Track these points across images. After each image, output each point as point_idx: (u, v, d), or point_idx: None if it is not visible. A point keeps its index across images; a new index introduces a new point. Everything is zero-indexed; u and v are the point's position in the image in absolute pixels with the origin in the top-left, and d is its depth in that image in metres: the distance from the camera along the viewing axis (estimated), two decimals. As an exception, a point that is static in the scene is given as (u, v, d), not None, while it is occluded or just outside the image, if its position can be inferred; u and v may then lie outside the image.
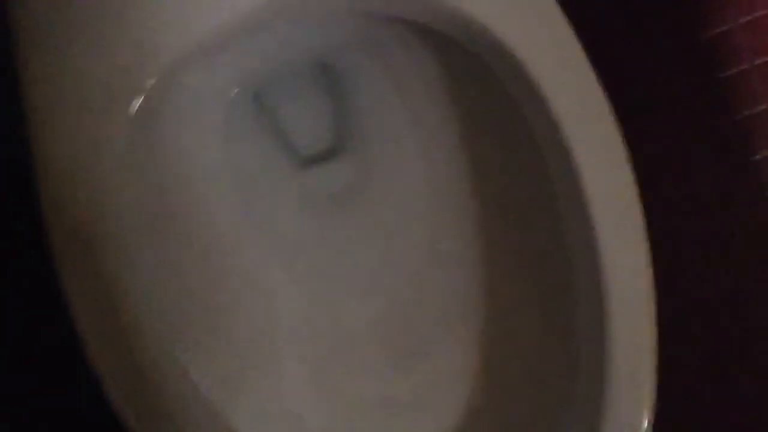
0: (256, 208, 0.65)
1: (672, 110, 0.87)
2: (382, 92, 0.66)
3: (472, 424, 0.58)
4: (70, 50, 0.52)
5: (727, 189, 0.87)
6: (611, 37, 0.84)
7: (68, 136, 0.52)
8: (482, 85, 0.59)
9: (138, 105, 0.52)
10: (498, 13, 0.54)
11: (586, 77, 0.53)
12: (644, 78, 0.87)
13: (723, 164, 0.87)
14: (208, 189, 0.63)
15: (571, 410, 0.52)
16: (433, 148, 0.65)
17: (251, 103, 0.67)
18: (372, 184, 0.67)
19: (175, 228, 0.60)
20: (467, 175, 0.63)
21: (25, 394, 0.78)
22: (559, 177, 0.54)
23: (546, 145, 0.54)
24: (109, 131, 0.52)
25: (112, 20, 0.52)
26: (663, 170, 0.86)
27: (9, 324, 0.78)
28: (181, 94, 0.57)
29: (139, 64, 0.52)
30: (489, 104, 0.61)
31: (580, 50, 0.53)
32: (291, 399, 0.61)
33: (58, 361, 0.75)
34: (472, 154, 0.63)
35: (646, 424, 0.48)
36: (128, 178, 0.53)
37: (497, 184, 0.63)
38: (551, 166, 0.54)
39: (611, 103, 0.54)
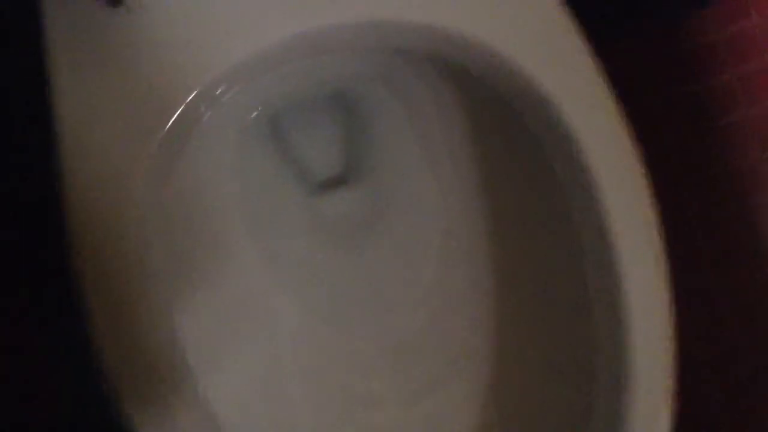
0: (267, 232, 0.65)
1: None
2: (396, 123, 0.67)
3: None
4: (106, 70, 0.53)
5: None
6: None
7: (99, 152, 0.52)
8: (500, 118, 0.61)
9: (168, 126, 0.53)
10: (516, 43, 0.55)
11: (606, 109, 0.54)
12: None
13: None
14: (221, 210, 0.64)
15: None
16: (446, 180, 0.66)
17: (266, 128, 0.68)
18: (383, 213, 0.68)
19: (192, 242, 0.61)
20: (482, 209, 0.64)
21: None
22: (579, 210, 0.55)
23: (567, 183, 0.55)
24: (140, 150, 0.53)
25: (149, 43, 0.53)
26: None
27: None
28: (204, 116, 0.58)
29: (173, 86, 0.53)
30: (506, 138, 0.62)
31: (601, 83, 0.54)
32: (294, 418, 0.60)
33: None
34: (487, 189, 0.64)
35: None
36: (153, 194, 0.54)
37: (513, 219, 0.63)
38: (573, 203, 0.55)
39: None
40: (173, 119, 0.53)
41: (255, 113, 0.66)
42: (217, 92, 0.57)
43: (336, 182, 0.68)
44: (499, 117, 0.61)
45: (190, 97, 0.54)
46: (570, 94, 0.54)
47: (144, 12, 0.53)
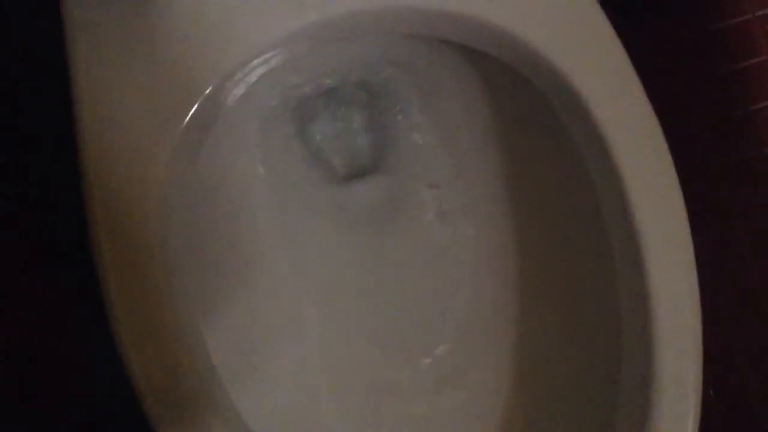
0: (291, 219, 0.65)
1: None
2: (420, 112, 0.66)
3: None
4: (130, 56, 0.52)
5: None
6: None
7: (123, 138, 0.52)
8: (528, 111, 0.60)
9: (191, 113, 0.53)
10: (545, 32, 0.54)
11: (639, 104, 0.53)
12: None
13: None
14: (246, 198, 0.63)
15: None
16: (471, 172, 0.65)
17: (290, 117, 0.67)
18: (406, 204, 0.67)
19: (215, 232, 0.60)
20: (507, 204, 0.64)
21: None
22: (608, 208, 0.54)
23: (597, 175, 0.55)
24: (163, 137, 0.52)
25: (175, 25, 0.53)
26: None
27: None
28: (228, 103, 0.57)
29: (196, 74, 0.53)
30: (533, 130, 0.61)
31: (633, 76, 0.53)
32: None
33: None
34: (511, 181, 0.64)
35: None
36: (176, 182, 0.53)
37: (540, 215, 0.63)
38: (598, 189, 0.54)
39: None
40: (197, 104, 0.53)
41: (279, 101, 0.65)
42: (242, 78, 0.56)
43: (359, 172, 0.68)
44: (526, 109, 0.60)
45: (216, 82, 0.53)
46: (600, 87, 0.53)
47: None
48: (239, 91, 0.57)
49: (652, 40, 0.87)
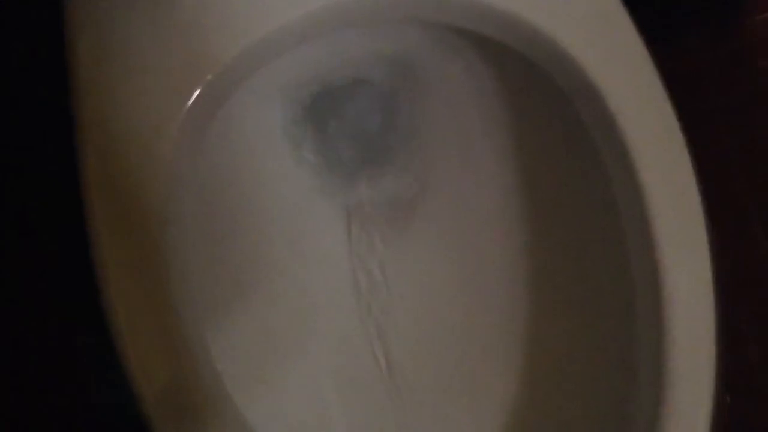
0: (303, 214, 0.64)
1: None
2: (432, 105, 0.65)
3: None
4: (131, 36, 0.52)
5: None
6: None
7: (125, 121, 0.51)
8: (542, 102, 0.59)
9: (194, 97, 0.52)
10: (562, 23, 0.53)
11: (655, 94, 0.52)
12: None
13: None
14: (254, 188, 0.62)
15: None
16: (484, 164, 0.64)
17: (301, 105, 0.66)
18: (419, 198, 0.66)
19: (222, 219, 0.60)
20: (521, 197, 0.63)
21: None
22: (624, 201, 0.53)
23: (613, 173, 0.54)
24: (166, 120, 0.51)
25: (178, 10, 0.52)
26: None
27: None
28: (234, 92, 0.56)
29: (200, 58, 0.52)
30: (548, 122, 0.60)
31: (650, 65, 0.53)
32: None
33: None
34: (526, 174, 0.62)
35: None
36: (180, 167, 0.52)
37: (554, 207, 0.62)
38: (614, 183, 0.54)
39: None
40: (199, 90, 0.52)
41: (287, 93, 0.64)
42: (246, 64, 0.55)
43: (372, 165, 0.67)
44: (541, 101, 0.59)
45: (218, 68, 0.52)
46: (617, 81, 0.52)
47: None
48: (248, 75, 0.56)
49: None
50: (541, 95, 0.58)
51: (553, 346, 0.60)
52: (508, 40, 0.55)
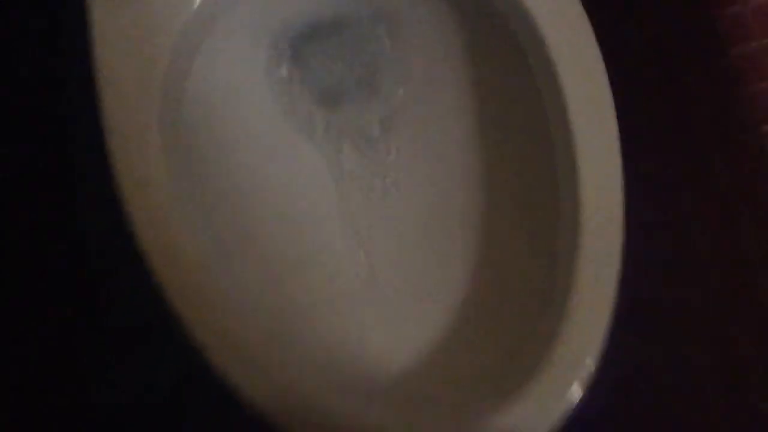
0: (288, 145, 0.71)
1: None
2: (406, 37, 0.74)
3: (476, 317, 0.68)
4: None
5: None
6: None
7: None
8: (492, 36, 0.69)
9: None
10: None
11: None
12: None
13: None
14: (236, 120, 0.68)
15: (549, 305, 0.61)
16: (441, 89, 0.74)
17: (284, 48, 0.73)
18: (392, 125, 0.74)
19: (207, 145, 0.66)
20: (473, 110, 0.72)
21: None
22: (552, 116, 0.64)
23: (544, 87, 0.65)
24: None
25: None
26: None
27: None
28: (224, 26, 0.63)
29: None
30: (496, 53, 0.70)
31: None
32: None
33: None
34: (474, 91, 0.72)
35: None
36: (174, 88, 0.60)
37: (499, 127, 0.72)
38: (546, 101, 0.64)
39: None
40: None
41: (269, 30, 0.71)
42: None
43: (348, 98, 0.74)
44: (491, 35, 0.69)
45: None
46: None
47: None
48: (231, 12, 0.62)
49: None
50: (490, 29, 0.68)
51: (498, 229, 0.70)
52: None
